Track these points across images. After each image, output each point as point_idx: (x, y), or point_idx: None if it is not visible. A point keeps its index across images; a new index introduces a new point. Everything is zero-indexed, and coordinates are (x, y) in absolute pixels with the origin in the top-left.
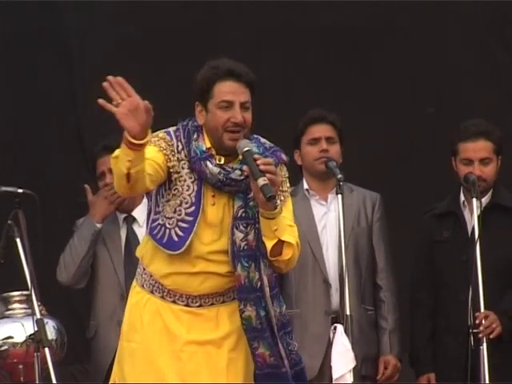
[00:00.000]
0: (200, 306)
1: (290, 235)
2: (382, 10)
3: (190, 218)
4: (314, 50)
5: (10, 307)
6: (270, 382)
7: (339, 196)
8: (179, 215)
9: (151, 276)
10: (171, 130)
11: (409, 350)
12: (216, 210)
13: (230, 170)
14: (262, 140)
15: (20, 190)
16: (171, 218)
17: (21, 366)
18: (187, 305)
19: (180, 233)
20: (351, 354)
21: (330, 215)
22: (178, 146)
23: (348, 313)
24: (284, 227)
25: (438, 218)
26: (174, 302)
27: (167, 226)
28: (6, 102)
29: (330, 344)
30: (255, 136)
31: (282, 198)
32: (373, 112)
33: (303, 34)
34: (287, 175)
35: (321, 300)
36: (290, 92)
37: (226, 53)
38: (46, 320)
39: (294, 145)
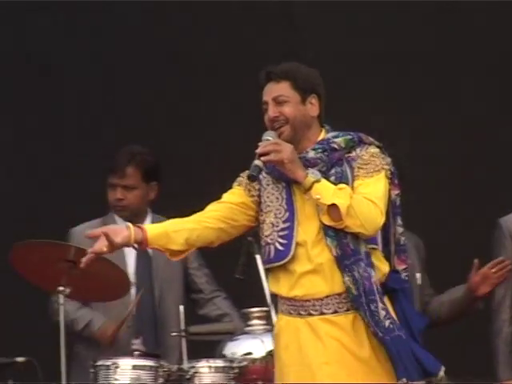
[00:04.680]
0: (335, 312)
1: (340, 197)
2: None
3: (288, 224)
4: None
5: (249, 323)
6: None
7: None
8: (277, 226)
9: (285, 297)
10: None
11: None
12: (312, 201)
13: (304, 155)
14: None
15: None
16: (270, 234)
17: (260, 383)
18: (322, 313)
19: (282, 240)
20: None
21: None
22: None
23: None
24: (332, 193)
25: None
26: (309, 314)
27: (269, 242)
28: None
29: None
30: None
31: (369, 173)
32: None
33: None
34: (376, 153)
35: None
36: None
37: None
38: None
39: None
